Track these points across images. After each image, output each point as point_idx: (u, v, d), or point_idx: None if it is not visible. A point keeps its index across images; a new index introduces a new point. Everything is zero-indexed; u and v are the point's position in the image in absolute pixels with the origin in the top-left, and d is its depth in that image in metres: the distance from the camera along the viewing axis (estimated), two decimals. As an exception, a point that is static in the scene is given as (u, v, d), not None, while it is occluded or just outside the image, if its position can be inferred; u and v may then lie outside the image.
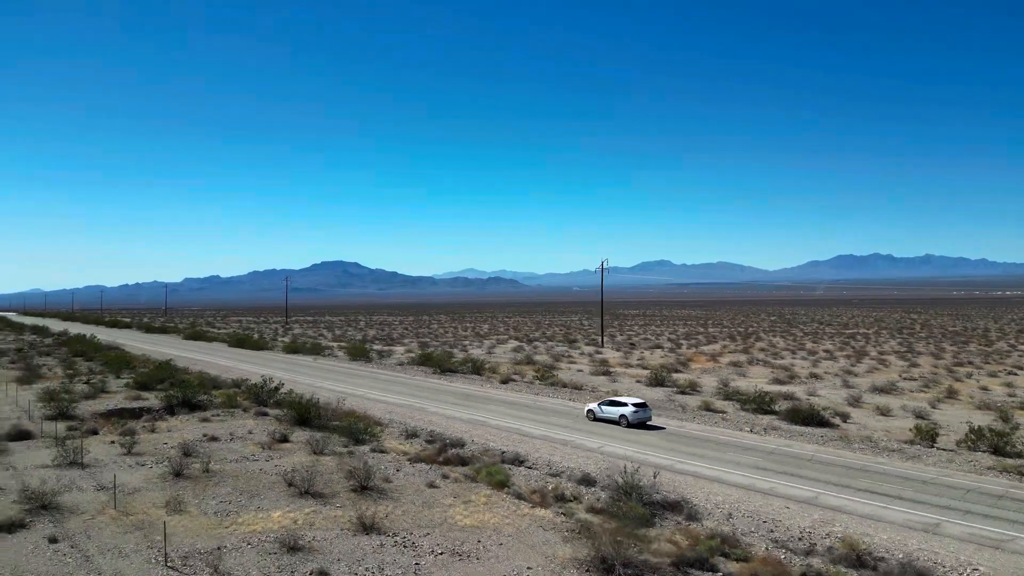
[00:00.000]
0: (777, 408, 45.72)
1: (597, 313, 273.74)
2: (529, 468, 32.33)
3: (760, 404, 45.89)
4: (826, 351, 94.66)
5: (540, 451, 35.06)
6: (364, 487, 25.54)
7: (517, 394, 53.50)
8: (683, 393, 53.69)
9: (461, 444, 36.70)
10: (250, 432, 36.05)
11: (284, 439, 33.80)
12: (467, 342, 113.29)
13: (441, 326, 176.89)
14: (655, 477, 26.36)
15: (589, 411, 44.08)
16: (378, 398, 52.29)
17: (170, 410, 43.58)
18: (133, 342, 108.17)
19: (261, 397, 48.70)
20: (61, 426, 37.19)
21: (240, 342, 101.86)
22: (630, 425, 41.16)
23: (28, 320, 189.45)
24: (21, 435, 34.41)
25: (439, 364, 67.31)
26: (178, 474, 26.74)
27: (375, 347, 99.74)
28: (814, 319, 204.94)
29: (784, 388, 56.14)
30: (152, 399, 46.79)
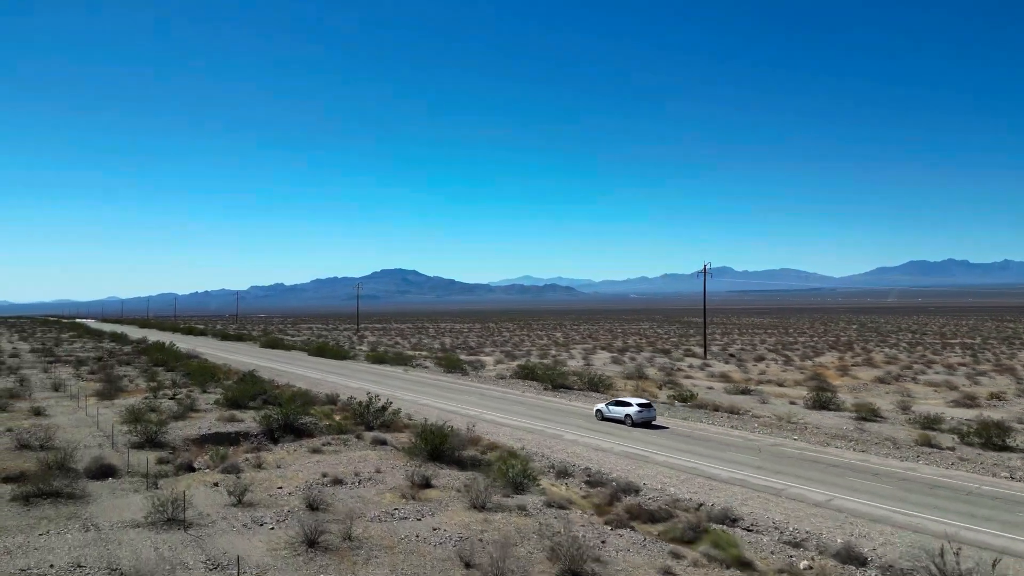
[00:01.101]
0: (1013, 443, 36.12)
1: (666, 321, 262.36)
2: (751, 532, 24.08)
3: (989, 437, 36.33)
4: (958, 364, 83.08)
5: (749, 504, 26.71)
6: (576, 574, 17.75)
7: (671, 420, 44.97)
8: (864, 420, 44.25)
9: (635, 490, 28.74)
10: (377, 471, 28.86)
11: (426, 483, 26.41)
12: (553, 352, 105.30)
13: (512, 334, 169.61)
14: None
15: (597, 411, 45.53)
16: (499, 420, 44.78)
17: (270, 435, 37.08)
18: (211, 350, 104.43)
19: (367, 418, 42.00)
20: (150, 456, 30.93)
21: (320, 351, 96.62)
22: (635, 424, 42.31)
23: (106, 327, 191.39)
24: (104, 471, 28.14)
25: (550, 379, 59.49)
26: (312, 543, 19.53)
27: (459, 357, 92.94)
28: (901, 327, 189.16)
29: (977, 412, 45.98)
30: (247, 419, 40.50)
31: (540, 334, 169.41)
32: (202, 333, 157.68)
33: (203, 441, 35.61)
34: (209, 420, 40.21)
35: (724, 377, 71.13)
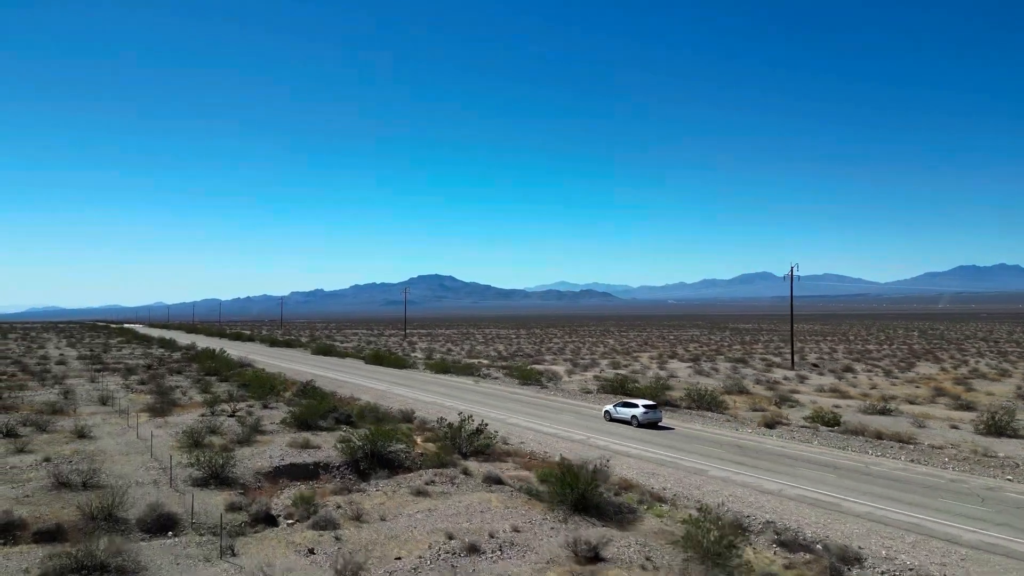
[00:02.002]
0: None
1: (712, 327, 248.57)
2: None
3: None
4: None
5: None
6: None
7: (827, 451, 37.06)
8: (1070, 452, 35.75)
9: (857, 559, 21.27)
10: (515, 529, 21.84)
11: (594, 554, 19.26)
12: (620, 360, 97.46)
13: (564, 341, 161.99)
14: None
15: (606, 412, 46.37)
16: (614, 447, 37.43)
17: (356, 467, 30.49)
18: (262, 357, 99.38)
19: (458, 442, 35.25)
20: (218, 500, 24.54)
21: (378, 359, 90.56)
22: (640, 425, 43.00)
23: (154, 332, 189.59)
24: (162, 523, 21.75)
25: (650, 396, 51.94)
26: None
27: (534, 368, 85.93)
28: (966, 335, 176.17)
29: None
30: (324, 445, 34.00)
31: (592, 341, 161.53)
32: (250, 339, 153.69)
33: (277, 475, 29.14)
34: (279, 445, 33.80)
35: (836, 392, 62.76)
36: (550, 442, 38.91)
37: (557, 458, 34.99)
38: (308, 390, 56.35)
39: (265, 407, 47.91)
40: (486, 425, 36.45)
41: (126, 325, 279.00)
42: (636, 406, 44.13)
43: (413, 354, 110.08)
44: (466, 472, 29.24)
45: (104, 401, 48.97)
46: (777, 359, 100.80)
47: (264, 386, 55.32)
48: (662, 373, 79.38)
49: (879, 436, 38.77)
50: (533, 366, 79.95)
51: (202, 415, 43.33)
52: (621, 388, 58.07)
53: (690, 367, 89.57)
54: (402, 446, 32.92)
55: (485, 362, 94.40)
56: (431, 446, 36.86)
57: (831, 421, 42.12)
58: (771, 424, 42.73)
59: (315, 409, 40.60)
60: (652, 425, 43.10)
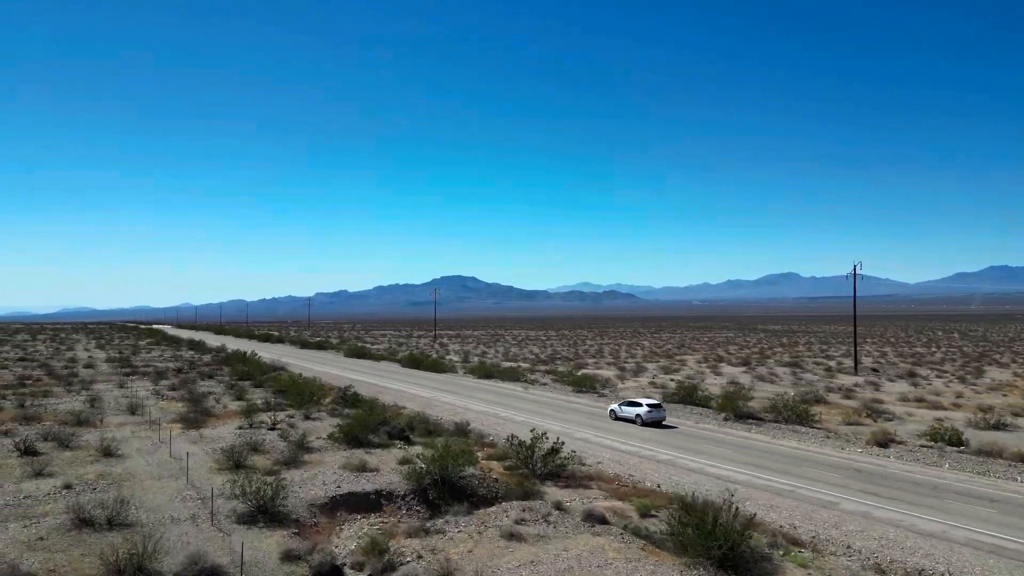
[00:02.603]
0: None
1: (744, 329, 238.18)
2: None
3: None
4: None
5: None
6: None
7: (966, 477, 31.49)
8: None
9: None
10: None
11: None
12: (665, 363, 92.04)
13: (599, 343, 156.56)
14: None
15: (611, 411, 47.17)
16: (719, 472, 32.37)
17: (423, 496, 25.92)
18: (294, 360, 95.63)
19: (531, 463, 30.62)
20: (269, 542, 20.08)
21: (415, 362, 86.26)
22: (644, 424, 43.54)
23: (183, 333, 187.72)
24: (207, 579, 17.28)
25: (731, 407, 46.77)
26: None
27: (588, 375, 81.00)
28: (1008, 336, 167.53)
29: None
30: (382, 466, 29.44)
31: (627, 343, 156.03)
32: (279, 340, 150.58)
33: (334, 507, 24.61)
34: (331, 468, 29.32)
35: (923, 401, 57.02)
36: (633, 463, 34.02)
37: (649, 484, 30.17)
38: (348, 397, 52.13)
39: (307, 417, 43.62)
40: (562, 443, 31.70)
41: (155, 326, 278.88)
42: (640, 405, 45.05)
43: (448, 357, 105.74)
44: (560, 507, 24.43)
45: (133, 410, 45.06)
46: (831, 363, 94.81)
47: (303, 393, 51.11)
48: (719, 379, 73.98)
49: (1023, 459, 33.23)
50: (582, 371, 74.94)
51: (239, 428, 39.15)
52: (690, 397, 52.98)
53: (745, 371, 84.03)
54: (474, 470, 28.28)
55: (525, 365, 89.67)
56: (495, 465, 32.27)
57: (955, 440, 36.60)
58: (883, 443, 37.31)
59: (365, 422, 36.11)
60: (657, 424, 44.02)
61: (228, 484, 25.08)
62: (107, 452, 31.20)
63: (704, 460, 34.58)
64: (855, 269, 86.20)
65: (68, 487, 25.49)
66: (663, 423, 44.40)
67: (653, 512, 25.41)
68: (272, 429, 38.82)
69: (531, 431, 32.69)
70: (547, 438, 31.61)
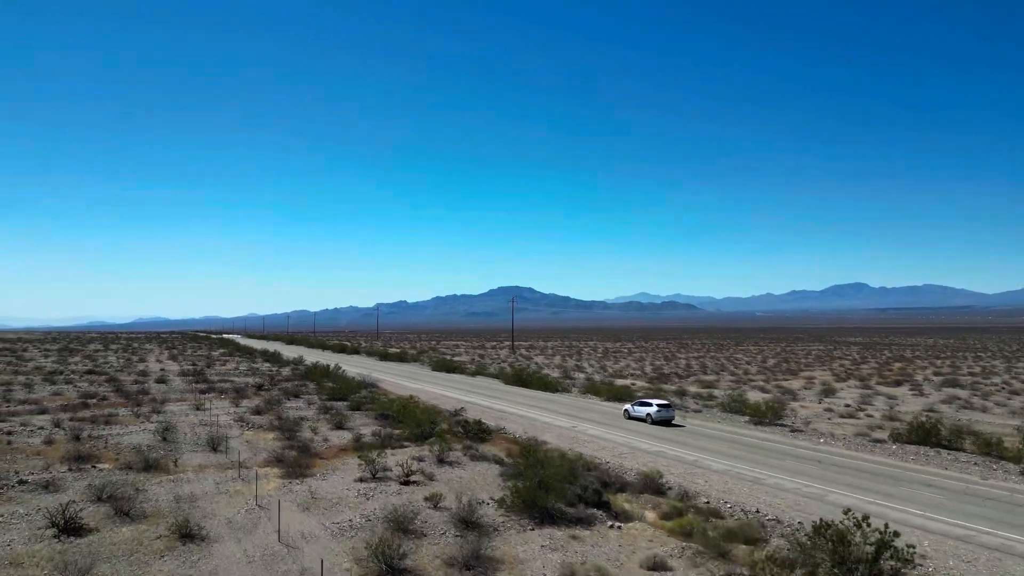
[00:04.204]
0: None
1: (834, 342, 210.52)
2: None
3: None
4: None
5: None
6: None
7: None
8: None
9: None
10: None
11: None
12: (831, 384, 77.80)
13: (686, 356, 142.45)
14: None
15: (625, 411, 49.59)
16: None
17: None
18: (381, 374, 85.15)
19: (850, 567, 18.14)
20: None
21: (520, 380, 74.76)
22: (654, 422, 45.88)
23: (255, 344, 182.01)
24: None
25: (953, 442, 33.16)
26: None
27: (770, 404, 68.05)
28: None
29: None
30: (619, 572, 17.69)
31: (721, 356, 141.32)
32: (354, 351, 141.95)
33: None
34: (511, 543, 17.69)
35: None
36: (969, 554, 21.25)
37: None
38: (471, 427, 40.90)
39: (440, 460, 32.38)
40: (896, 534, 19.10)
41: (225, 336, 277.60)
42: (651, 405, 47.20)
43: (544, 372, 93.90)
44: None
45: (215, 444, 34.78)
46: (986, 383, 78.85)
47: (420, 421, 40.07)
48: (899, 405, 59.68)
49: None
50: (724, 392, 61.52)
51: (360, 479, 28.16)
52: (927, 437, 39.47)
53: (912, 392, 69.37)
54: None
55: (642, 384, 77.15)
56: (757, 556, 20.05)
57: None
58: None
59: (551, 482, 24.38)
60: (666, 423, 46.29)
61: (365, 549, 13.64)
62: (185, 532, 20.37)
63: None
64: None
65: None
66: (671, 422, 46.81)
67: None
68: (406, 483, 27.66)
69: (846, 514, 19.70)
70: (865, 522, 18.99)
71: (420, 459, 32.48)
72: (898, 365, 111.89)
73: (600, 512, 24.28)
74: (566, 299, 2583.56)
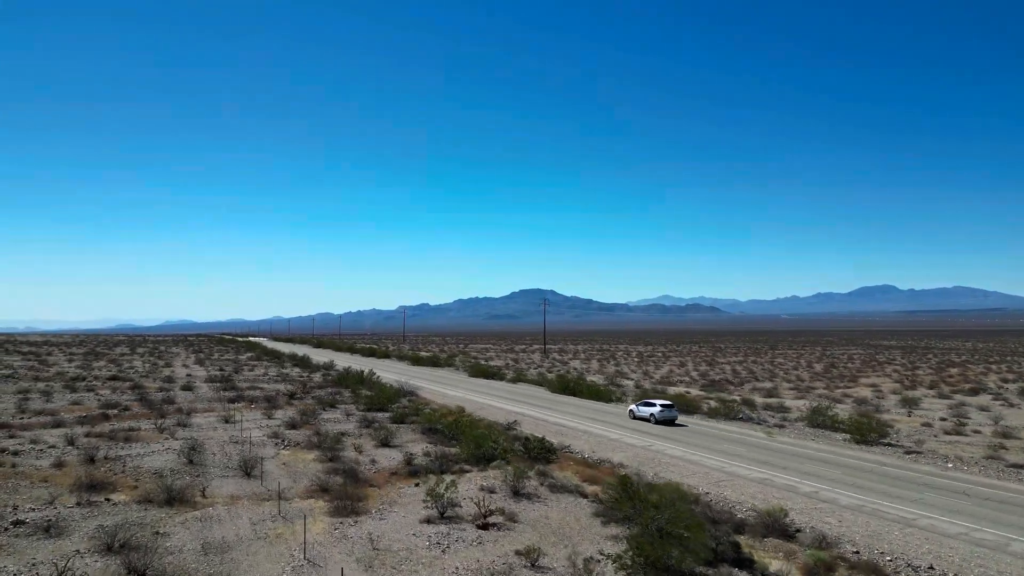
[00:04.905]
0: None
1: (871, 346, 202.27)
2: None
3: None
4: None
5: None
6: None
7: None
8: None
9: None
10: None
11: None
12: (905, 393, 71.30)
13: (729, 360, 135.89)
14: None
15: (630, 411, 51.27)
16: None
17: None
18: (416, 380, 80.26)
19: None
20: None
21: (568, 388, 69.38)
22: (658, 422, 47.72)
23: (282, 347, 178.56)
24: None
25: None
26: None
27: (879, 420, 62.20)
28: None
29: None
30: None
31: (757, 361, 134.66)
32: (384, 355, 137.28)
33: None
34: None
35: None
36: None
37: None
38: (532, 446, 35.72)
39: (516, 492, 27.10)
40: None
41: (252, 339, 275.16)
42: (654, 405, 48.95)
43: (590, 379, 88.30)
44: None
45: (248, 468, 29.93)
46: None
47: (480, 441, 34.83)
48: (993, 420, 53.20)
49: None
50: (823, 403, 55.42)
51: (427, 520, 23.04)
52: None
53: (1001, 404, 62.68)
54: None
55: (696, 392, 71.38)
56: None
57: None
58: None
59: (674, 529, 18.93)
60: (669, 422, 47.97)
61: None
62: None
63: None
64: None
65: None
66: (675, 422, 48.79)
67: None
68: (484, 526, 22.44)
69: None
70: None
71: (490, 490, 27.28)
72: (954, 371, 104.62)
73: (743, 573, 18.85)
74: (588, 302, 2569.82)
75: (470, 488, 27.65)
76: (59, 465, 29.79)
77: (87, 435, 37.39)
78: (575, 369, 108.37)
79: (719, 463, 35.55)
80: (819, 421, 46.98)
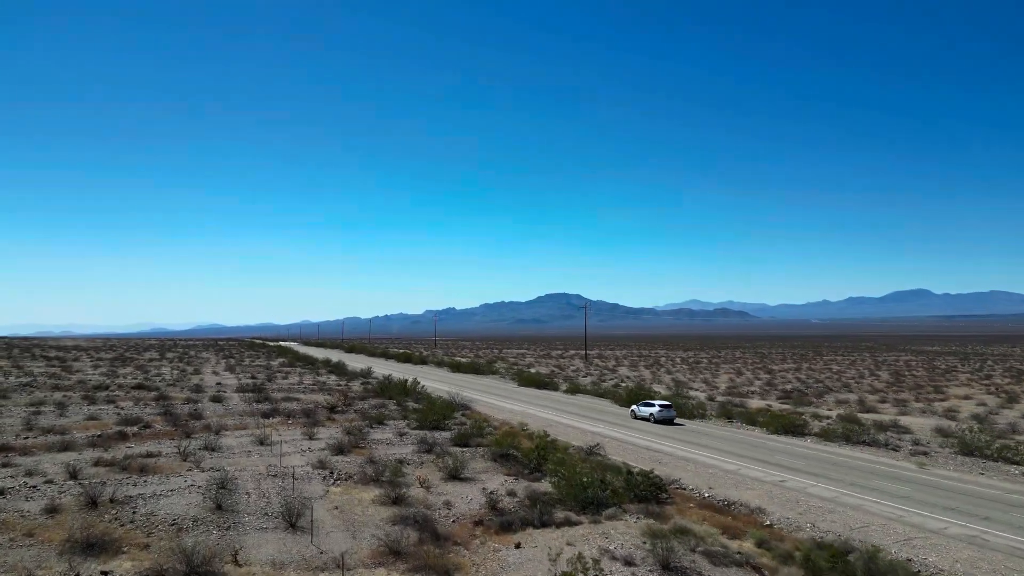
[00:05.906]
0: None
1: (894, 349, 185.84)
2: None
3: None
4: None
5: None
6: None
7: None
8: None
9: None
10: None
11: None
12: (940, 405, 62.46)
13: (781, 366, 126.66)
14: None
15: (632, 411, 54.29)
16: None
17: None
18: (465, 391, 73.13)
19: None
20: None
21: (639, 400, 61.52)
22: (656, 422, 50.51)
23: (314, 352, 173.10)
24: None
25: None
26: None
27: (738, 404, 53.91)
28: None
29: None
30: None
31: (811, 368, 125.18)
32: (421, 361, 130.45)
33: None
34: None
35: None
36: None
37: None
38: (640, 487, 28.41)
39: (665, 567, 19.67)
40: None
41: (282, 343, 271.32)
42: (653, 405, 52.18)
43: (654, 387, 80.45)
44: None
45: (292, 517, 22.93)
46: None
47: (587, 482, 27.25)
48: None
49: None
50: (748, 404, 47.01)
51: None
52: None
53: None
54: None
55: (770, 403, 63.23)
56: None
57: None
58: None
59: None
60: (668, 422, 50.82)
61: None
62: None
63: None
64: None
65: None
66: (673, 421, 51.14)
67: None
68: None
69: None
70: None
71: (626, 560, 19.90)
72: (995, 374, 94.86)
73: None
74: (615, 306, 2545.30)
75: (590, 549, 20.41)
76: (52, 511, 23.08)
77: (96, 463, 30.81)
78: (628, 378, 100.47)
79: (897, 510, 27.56)
80: (973, 448, 38.69)
